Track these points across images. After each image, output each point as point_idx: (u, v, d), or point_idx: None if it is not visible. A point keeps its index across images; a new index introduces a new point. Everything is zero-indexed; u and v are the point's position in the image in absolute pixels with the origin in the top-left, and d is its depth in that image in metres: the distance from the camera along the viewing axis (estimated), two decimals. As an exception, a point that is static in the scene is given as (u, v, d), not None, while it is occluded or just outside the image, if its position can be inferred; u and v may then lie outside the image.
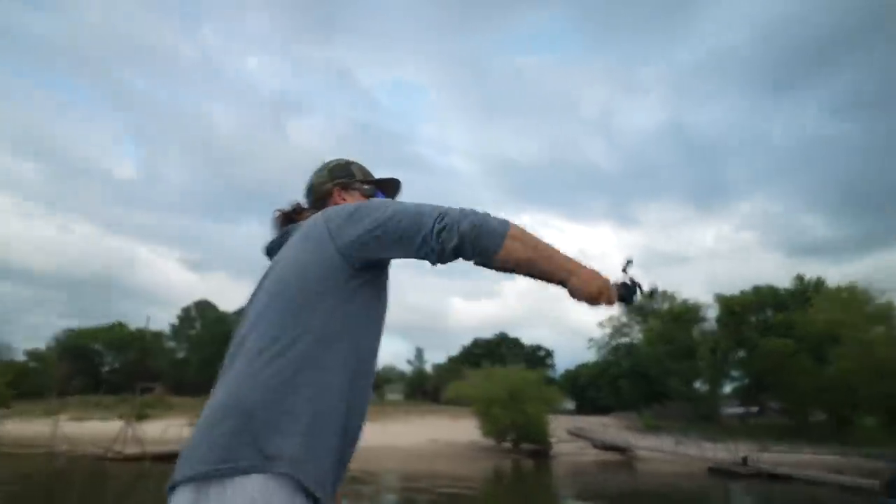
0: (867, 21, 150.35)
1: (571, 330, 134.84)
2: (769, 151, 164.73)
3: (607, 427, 35.96)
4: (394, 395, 67.15)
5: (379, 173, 1.62)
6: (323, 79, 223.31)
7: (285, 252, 1.21)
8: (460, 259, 1.12)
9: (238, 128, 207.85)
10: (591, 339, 66.38)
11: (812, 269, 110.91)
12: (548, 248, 1.14)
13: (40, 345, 71.62)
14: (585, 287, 1.11)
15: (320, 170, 1.53)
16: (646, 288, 1.18)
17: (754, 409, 50.85)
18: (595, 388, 59.32)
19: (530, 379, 32.84)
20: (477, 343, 71.17)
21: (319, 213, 1.23)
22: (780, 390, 42.00)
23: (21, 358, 65.50)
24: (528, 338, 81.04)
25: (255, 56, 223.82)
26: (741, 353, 47.68)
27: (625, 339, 63.01)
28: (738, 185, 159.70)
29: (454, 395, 35.64)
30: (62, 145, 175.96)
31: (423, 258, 1.12)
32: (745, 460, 21.48)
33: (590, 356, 68.19)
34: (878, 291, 43.48)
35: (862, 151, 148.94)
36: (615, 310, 1.18)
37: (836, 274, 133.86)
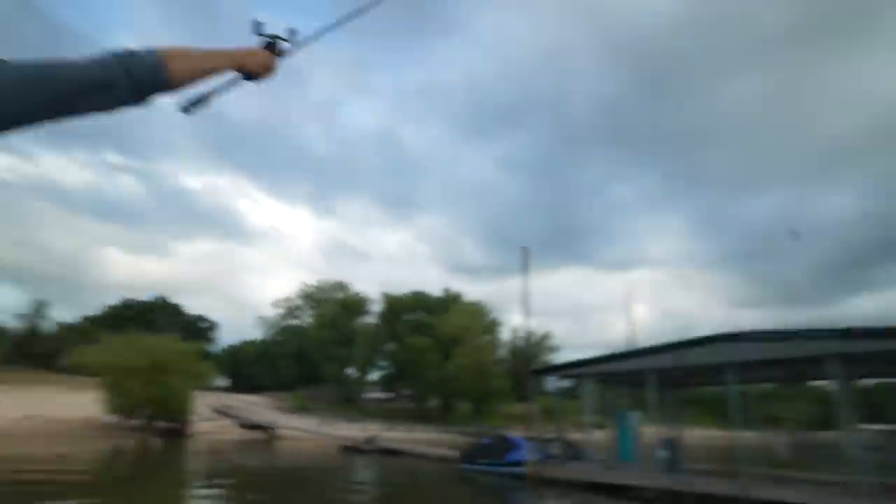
0: (544, 96, 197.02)
1: (241, 305, 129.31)
2: (453, 181, 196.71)
3: (257, 406, 35.67)
4: (-18, 356, 50.82)
5: None
6: None
7: None
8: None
9: None
10: (260, 317, 65.34)
11: (458, 285, 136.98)
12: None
13: None
14: (257, 63, 1.21)
15: None
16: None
17: (392, 394, 58.97)
18: (256, 366, 58.38)
19: (182, 350, 29.84)
20: (127, 304, 60.78)
21: None
22: (413, 380, 49.97)
23: None
24: (193, 306, 74.34)
25: None
26: (392, 346, 54.83)
27: (295, 321, 64.34)
28: (425, 202, 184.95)
29: (78, 361, 29.37)
30: None
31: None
32: (370, 439, 24.56)
33: (257, 334, 66.92)
34: (493, 308, 56.83)
35: (511, 201, 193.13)
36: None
37: (473, 291, 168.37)
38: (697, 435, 47.21)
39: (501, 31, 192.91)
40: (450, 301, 59.67)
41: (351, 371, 54.15)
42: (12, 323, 55.43)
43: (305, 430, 29.84)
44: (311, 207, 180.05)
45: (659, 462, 13.20)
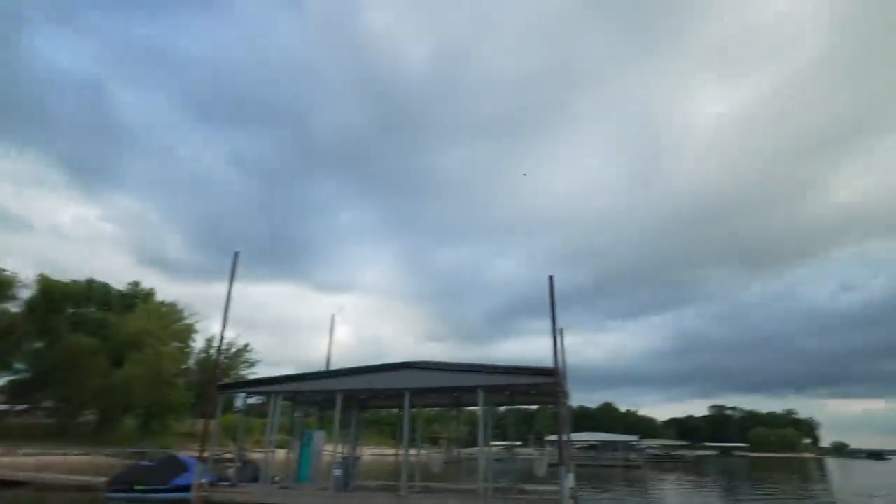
0: (291, 104, 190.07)
1: None
2: (170, 164, 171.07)
3: None
4: None
5: None
6: None
7: None
8: None
9: None
10: None
11: (152, 281, 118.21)
12: None
13: None
14: None
15: None
16: None
17: (24, 406, 45.78)
18: None
19: None
20: None
21: None
22: (63, 387, 40.02)
23: None
24: None
25: None
26: (39, 344, 43.05)
27: None
28: (126, 178, 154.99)
29: None
30: None
31: None
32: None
33: None
34: (190, 313, 50.89)
35: (234, 201, 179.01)
36: None
37: (170, 290, 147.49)
38: (374, 453, 51.16)
39: (264, 23, 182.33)
40: (137, 297, 50.95)
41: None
42: None
43: None
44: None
45: (333, 480, 13.80)
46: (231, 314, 15.41)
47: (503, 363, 13.49)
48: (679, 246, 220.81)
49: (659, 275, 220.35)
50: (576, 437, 57.10)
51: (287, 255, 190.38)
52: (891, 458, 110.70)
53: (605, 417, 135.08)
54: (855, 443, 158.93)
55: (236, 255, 15.82)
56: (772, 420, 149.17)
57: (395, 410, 19.79)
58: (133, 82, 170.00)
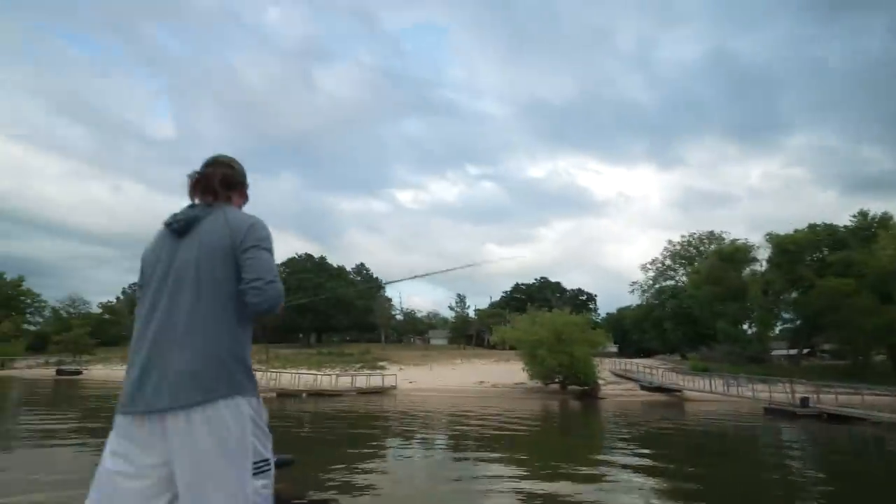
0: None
1: (608, 275, 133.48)
2: (824, 79, 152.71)
3: (652, 369, 35.97)
4: (438, 340, 68.96)
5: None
6: (346, 24, 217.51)
7: (213, 240, 1.65)
8: (249, 306, 1.60)
9: (266, 79, 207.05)
10: (633, 283, 65.81)
11: (872, 206, 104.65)
12: None
13: (112, 298, 77.16)
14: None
15: (232, 160, 1.93)
16: None
17: (804, 350, 49.72)
18: (639, 330, 59.21)
19: (576, 322, 32.93)
20: (518, 288, 71.46)
21: (247, 223, 1.69)
22: (837, 331, 40.69)
23: (96, 311, 71.06)
24: (566, 282, 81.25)
25: (276, 5, 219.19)
26: (794, 294, 46.22)
27: (669, 283, 62.09)
28: (788, 117, 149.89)
29: (500, 338, 36.17)
30: (104, 108, 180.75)
31: (244, 289, 1.59)
32: (804, 401, 21.14)
33: (630, 300, 67.74)
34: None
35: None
36: None
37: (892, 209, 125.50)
38: None
39: None
40: (871, 227, 46.16)
41: (747, 327, 48.32)
42: (448, 313, 72.94)
43: (713, 392, 28.31)
44: (654, 163, 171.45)
45: None
46: None
47: None
48: None
49: None
50: None
51: None
52: None
53: None
54: None
55: None
56: None
57: None
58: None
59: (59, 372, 44.14)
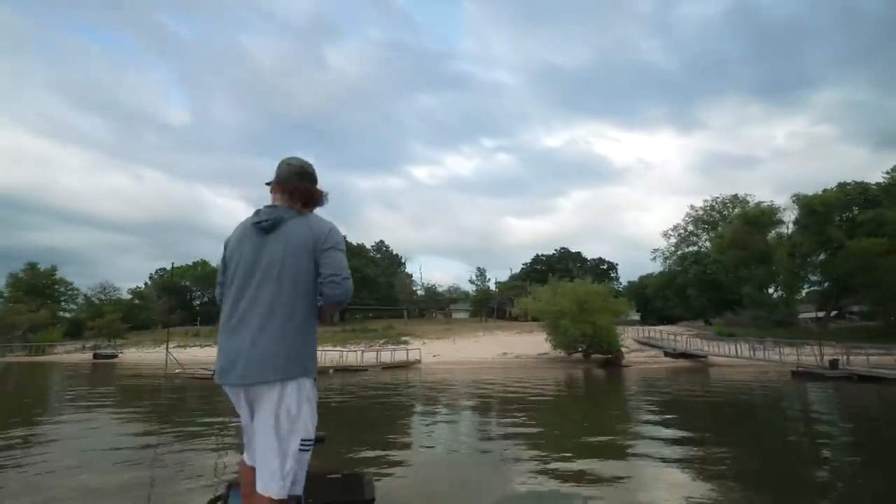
0: None
1: (629, 243, 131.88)
2: (856, 28, 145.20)
3: (676, 335, 35.75)
4: (460, 313, 69.47)
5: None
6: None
7: (297, 240, 1.89)
8: (325, 297, 1.90)
9: (277, 60, 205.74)
10: (655, 250, 64.86)
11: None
12: None
13: (140, 284, 79.36)
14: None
15: (308, 167, 2.08)
16: None
17: (832, 313, 48.73)
18: (661, 298, 58.66)
19: (598, 291, 32.79)
20: (538, 259, 71.16)
21: (327, 228, 1.94)
22: (868, 292, 39.72)
23: (126, 296, 73.33)
24: (587, 252, 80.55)
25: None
26: (822, 256, 45.09)
27: (692, 248, 61.08)
28: (816, 72, 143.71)
29: (522, 310, 36.28)
30: (121, 98, 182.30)
31: (323, 281, 1.86)
32: (833, 363, 20.84)
33: (652, 267, 66.94)
34: None
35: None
36: None
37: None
38: None
39: None
40: (901, 185, 44.49)
41: (773, 291, 47.46)
42: (468, 287, 73.15)
43: (739, 357, 28.09)
44: (673, 128, 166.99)
45: None
46: None
47: None
48: None
49: None
50: None
51: None
52: None
53: None
54: None
55: None
56: None
57: None
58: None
59: (95, 356, 45.90)
